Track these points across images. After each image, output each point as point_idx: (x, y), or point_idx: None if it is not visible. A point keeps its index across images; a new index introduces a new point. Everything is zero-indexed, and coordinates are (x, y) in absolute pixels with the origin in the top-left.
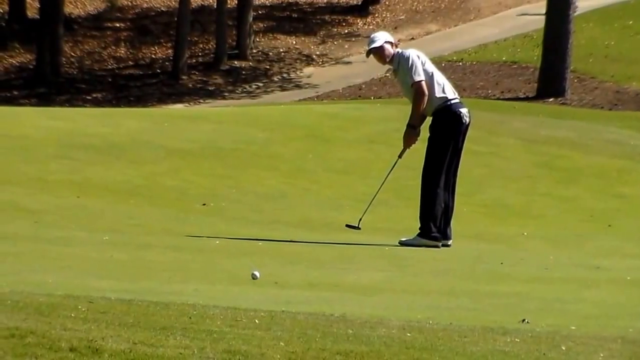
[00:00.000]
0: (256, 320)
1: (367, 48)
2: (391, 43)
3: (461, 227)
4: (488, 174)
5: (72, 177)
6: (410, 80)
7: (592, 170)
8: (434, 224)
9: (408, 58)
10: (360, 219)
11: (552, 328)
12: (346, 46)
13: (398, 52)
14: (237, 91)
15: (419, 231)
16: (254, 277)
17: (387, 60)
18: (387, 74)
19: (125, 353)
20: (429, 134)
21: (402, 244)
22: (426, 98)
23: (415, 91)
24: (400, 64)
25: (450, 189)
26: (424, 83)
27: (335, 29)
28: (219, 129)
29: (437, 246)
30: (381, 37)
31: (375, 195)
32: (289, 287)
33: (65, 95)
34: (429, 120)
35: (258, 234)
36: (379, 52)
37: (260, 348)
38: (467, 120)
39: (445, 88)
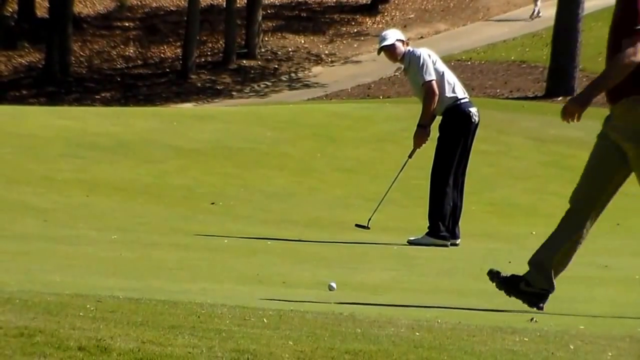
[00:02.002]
0: (264, 320)
1: (378, 46)
2: (402, 41)
3: (470, 226)
4: (497, 173)
5: (81, 176)
6: (421, 80)
7: None
8: (443, 223)
9: (419, 57)
10: (370, 219)
11: (561, 327)
12: (355, 45)
13: (409, 50)
14: (246, 90)
15: (427, 230)
16: (330, 288)
17: (398, 58)
18: (397, 73)
19: (133, 352)
20: (438, 134)
21: (410, 243)
22: (437, 98)
23: (426, 91)
24: (410, 63)
25: (459, 188)
26: (434, 83)
27: (344, 28)
28: (227, 129)
29: (445, 245)
30: (392, 35)
31: (384, 195)
32: (298, 286)
33: (74, 94)
34: (438, 119)
35: (266, 233)
36: (390, 50)
37: (269, 347)
38: (477, 119)
39: (455, 87)
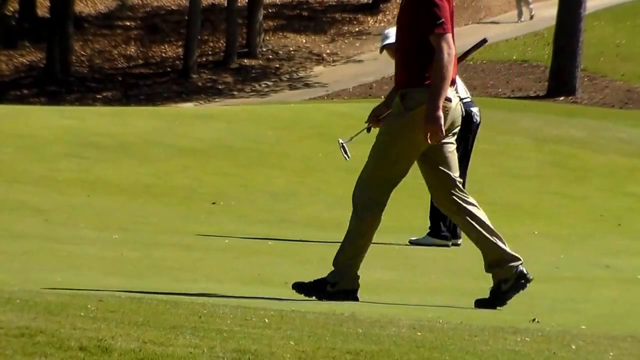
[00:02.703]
0: (266, 320)
1: (380, 44)
2: None
3: None
4: (498, 173)
5: (82, 176)
6: None
7: (603, 169)
8: (444, 223)
9: None
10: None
11: (562, 327)
12: (357, 44)
13: None
14: (247, 90)
15: (429, 230)
16: None
17: None
18: None
19: (135, 352)
20: None
21: (412, 243)
22: None
23: None
24: None
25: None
26: None
27: (346, 28)
28: (229, 128)
29: (447, 245)
30: (395, 34)
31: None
32: None
33: (75, 94)
34: None
35: (267, 233)
36: (392, 49)
37: (270, 347)
38: (478, 119)
39: (457, 87)
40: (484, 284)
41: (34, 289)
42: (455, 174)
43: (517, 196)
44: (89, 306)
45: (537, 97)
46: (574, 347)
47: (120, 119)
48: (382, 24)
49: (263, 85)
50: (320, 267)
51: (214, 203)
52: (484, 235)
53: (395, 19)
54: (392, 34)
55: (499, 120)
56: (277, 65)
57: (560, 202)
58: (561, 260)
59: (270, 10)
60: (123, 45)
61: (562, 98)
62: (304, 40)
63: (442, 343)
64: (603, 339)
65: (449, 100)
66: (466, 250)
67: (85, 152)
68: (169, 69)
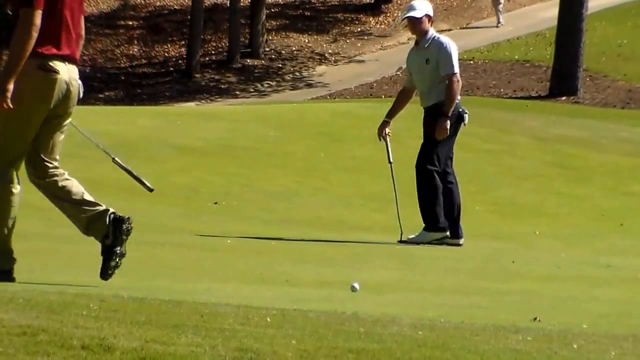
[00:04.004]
0: (268, 319)
1: (405, 13)
2: (429, 17)
3: (473, 225)
4: (500, 173)
5: (83, 175)
6: (449, 70)
7: (604, 169)
8: (439, 215)
9: (452, 47)
10: (402, 233)
11: (564, 326)
12: (359, 44)
13: (435, 34)
14: (249, 89)
15: (424, 226)
16: (353, 289)
17: (421, 33)
18: (399, 73)
19: (136, 351)
20: (425, 128)
21: (410, 241)
22: (459, 90)
23: (451, 81)
24: (438, 48)
25: (456, 185)
26: (459, 76)
27: (348, 28)
28: (231, 128)
29: (446, 236)
30: (423, 8)
31: (396, 203)
32: (301, 285)
33: None
34: (418, 114)
35: (269, 232)
36: (415, 23)
37: (272, 346)
38: (466, 122)
39: None
40: (486, 284)
41: (36, 288)
42: (44, 153)
43: (519, 196)
44: (91, 305)
45: (539, 97)
46: (575, 346)
47: (122, 119)
48: (384, 25)
49: (265, 85)
50: (322, 266)
51: (216, 203)
52: (70, 205)
53: (395, 19)
54: (418, 6)
55: (501, 120)
56: (280, 65)
57: (562, 202)
58: (563, 260)
59: (272, 10)
60: (126, 45)
61: (564, 98)
62: (307, 40)
63: (443, 342)
64: (604, 338)
65: (55, 72)
66: (468, 249)
67: (87, 151)
68: (171, 69)
